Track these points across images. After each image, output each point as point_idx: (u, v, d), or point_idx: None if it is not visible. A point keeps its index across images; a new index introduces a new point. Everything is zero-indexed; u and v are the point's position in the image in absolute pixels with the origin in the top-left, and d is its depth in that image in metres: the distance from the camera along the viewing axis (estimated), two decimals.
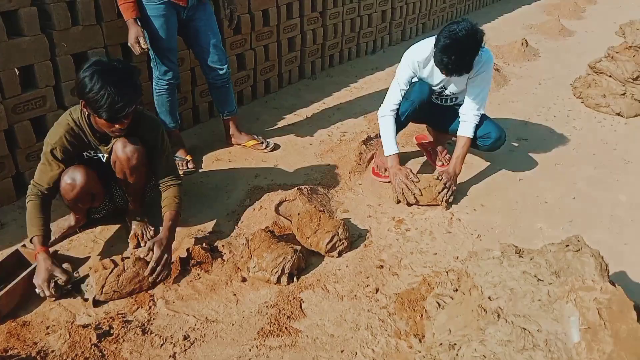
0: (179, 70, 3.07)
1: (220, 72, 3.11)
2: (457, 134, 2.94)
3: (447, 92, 2.97)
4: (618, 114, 4.17)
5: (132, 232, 2.53)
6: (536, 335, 1.44)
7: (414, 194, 2.80)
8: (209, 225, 2.65)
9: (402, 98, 2.92)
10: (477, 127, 2.93)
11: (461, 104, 2.97)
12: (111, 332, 1.98)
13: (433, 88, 2.94)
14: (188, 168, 3.11)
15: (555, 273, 1.56)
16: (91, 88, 2.05)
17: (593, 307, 1.44)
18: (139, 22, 2.72)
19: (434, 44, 2.59)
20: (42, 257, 2.14)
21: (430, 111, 3.07)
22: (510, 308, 1.51)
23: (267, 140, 3.45)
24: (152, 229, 2.55)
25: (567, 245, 1.63)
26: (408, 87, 2.89)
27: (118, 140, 2.28)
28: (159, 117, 3.08)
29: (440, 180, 2.82)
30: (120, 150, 2.28)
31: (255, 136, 3.45)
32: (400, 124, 3.01)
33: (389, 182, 2.98)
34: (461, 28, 2.50)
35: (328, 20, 4.69)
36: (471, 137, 2.90)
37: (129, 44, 2.74)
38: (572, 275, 1.53)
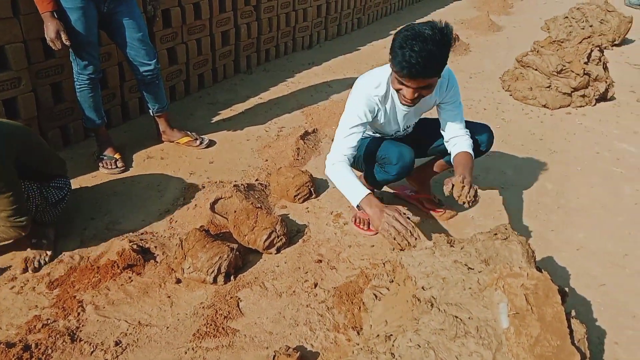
0: (100, 64, 2.92)
1: (148, 67, 2.98)
2: (453, 154, 2.33)
3: (411, 128, 2.51)
4: (544, 106, 4.36)
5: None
6: (468, 322, 1.47)
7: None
8: (141, 226, 2.55)
9: (378, 169, 2.38)
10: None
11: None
12: (38, 343, 1.87)
13: (397, 131, 2.45)
14: (117, 167, 2.98)
15: (484, 261, 1.60)
16: None
17: (520, 293, 1.49)
18: (55, 15, 2.54)
19: (392, 43, 1.99)
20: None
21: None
22: (443, 297, 1.54)
23: (202, 136, 3.36)
24: (49, 253, 2.30)
25: (496, 234, 1.68)
26: (364, 129, 2.24)
27: None
28: (84, 115, 2.94)
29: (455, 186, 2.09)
30: None
31: (188, 132, 3.35)
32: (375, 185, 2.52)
33: (376, 233, 2.55)
34: (423, 24, 1.99)
35: (262, 14, 4.64)
36: (472, 153, 2.29)
37: (48, 40, 2.57)
38: (500, 263, 1.58)
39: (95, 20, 2.72)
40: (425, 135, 2.56)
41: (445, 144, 2.39)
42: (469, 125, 2.43)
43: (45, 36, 2.57)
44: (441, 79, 2.16)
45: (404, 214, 2.00)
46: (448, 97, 2.32)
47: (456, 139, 2.32)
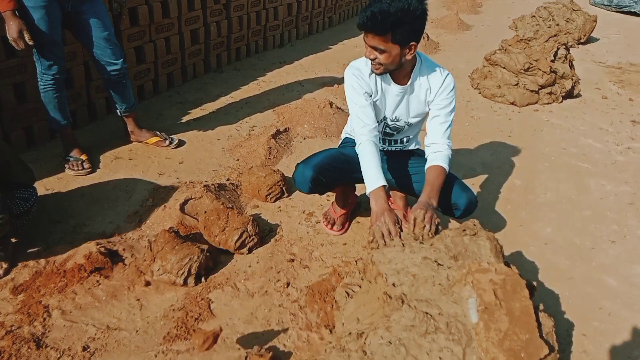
0: (65, 64, 2.83)
1: (115, 67, 2.90)
2: (427, 165, 2.22)
3: (400, 122, 2.37)
4: (512, 103, 4.44)
5: None
6: (438, 318, 1.48)
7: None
8: (108, 229, 2.50)
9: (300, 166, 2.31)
10: (441, 189, 2.19)
11: (413, 150, 2.55)
12: (1, 350, 1.81)
13: (385, 118, 2.35)
14: (84, 168, 2.91)
15: (454, 257, 1.61)
16: None
17: (489, 288, 1.50)
18: (17, 14, 2.46)
19: None
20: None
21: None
22: (413, 293, 1.55)
23: (171, 136, 3.31)
24: (4, 266, 2.19)
25: (464, 230, 1.70)
26: (369, 100, 2.22)
27: None
28: (48, 116, 2.86)
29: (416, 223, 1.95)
30: None
31: (157, 132, 3.29)
32: (323, 187, 2.38)
33: (339, 234, 2.61)
34: None
35: (232, 12, 4.60)
36: (446, 168, 2.19)
37: (10, 40, 2.48)
38: (469, 259, 1.59)
39: (59, 19, 2.64)
40: (408, 172, 2.48)
41: (425, 147, 2.32)
42: (450, 186, 2.27)
43: (7, 36, 2.48)
44: (436, 73, 2.23)
45: (399, 227, 1.95)
46: (439, 99, 2.24)
47: (436, 147, 2.24)
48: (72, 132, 3.02)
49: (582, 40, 6.42)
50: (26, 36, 2.47)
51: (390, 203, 2.68)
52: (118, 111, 3.15)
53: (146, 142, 3.25)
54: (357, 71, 2.23)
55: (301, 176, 2.26)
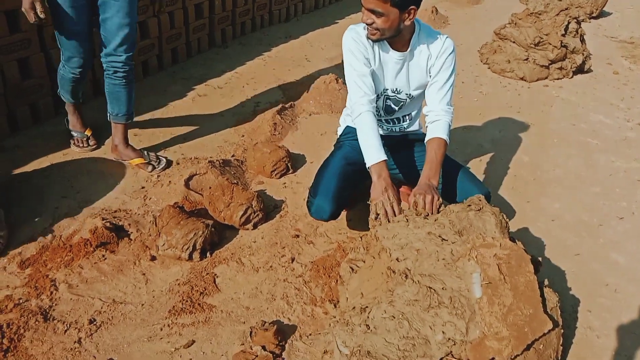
0: (90, 59, 2.57)
1: (118, 58, 2.55)
2: (426, 138, 2.17)
3: (402, 94, 2.27)
4: (522, 79, 4.37)
5: None
6: (441, 293, 1.47)
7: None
8: (114, 204, 2.50)
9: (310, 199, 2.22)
10: (453, 182, 2.22)
11: (417, 132, 2.47)
12: (9, 323, 1.83)
13: (385, 90, 2.26)
14: (89, 145, 2.89)
15: (458, 232, 1.60)
16: None
17: (493, 263, 1.49)
18: None
19: None
20: None
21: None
22: (417, 268, 1.54)
23: (160, 157, 2.87)
24: (1, 234, 2.19)
25: (469, 205, 1.68)
26: (369, 67, 2.14)
27: None
28: (59, 89, 2.76)
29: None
30: None
31: (144, 153, 2.84)
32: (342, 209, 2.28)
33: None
34: None
35: None
36: (446, 139, 2.12)
37: (23, 9, 2.28)
38: (474, 234, 1.58)
39: (85, 8, 2.42)
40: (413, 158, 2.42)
41: (425, 114, 2.27)
42: (461, 180, 2.23)
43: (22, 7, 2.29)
44: (434, 39, 2.15)
45: (401, 208, 1.93)
46: (438, 63, 2.16)
47: (434, 115, 2.18)
48: (79, 108, 2.92)
49: (594, 14, 6.28)
50: (38, 7, 2.26)
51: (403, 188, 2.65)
52: (108, 115, 2.76)
53: (128, 162, 2.81)
54: (357, 35, 2.12)
55: (320, 212, 2.16)
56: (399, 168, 2.41)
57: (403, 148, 2.43)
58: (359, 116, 2.11)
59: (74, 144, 2.89)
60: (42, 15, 2.29)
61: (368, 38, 2.08)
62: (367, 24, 2.02)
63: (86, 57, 2.55)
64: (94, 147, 2.92)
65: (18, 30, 2.84)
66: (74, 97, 2.80)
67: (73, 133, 2.91)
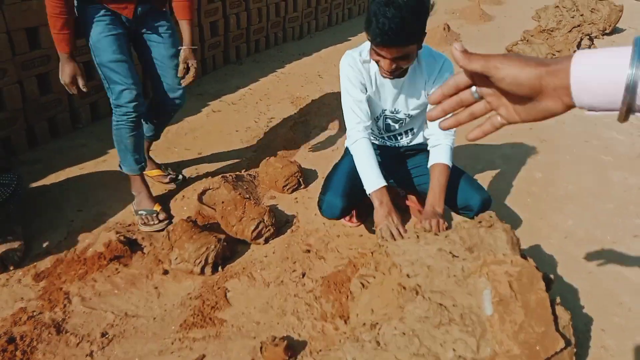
0: (140, 90, 2.31)
1: (178, 93, 2.50)
2: (429, 164, 2.18)
3: (400, 114, 2.25)
4: None
5: None
6: (452, 310, 1.47)
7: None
8: (128, 218, 2.54)
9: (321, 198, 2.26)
10: (454, 187, 2.21)
11: (419, 145, 2.43)
12: (23, 335, 1.86)
13: (384, 111, 2.26)
14: (160, 221, 2.49)
15: (469, 249, 1.60)
16: None
17: (504, 280, 1.48)
18: (73, 57, 2.20)
19: (367, 11, 1.86)
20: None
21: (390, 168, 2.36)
22: (428, 285, 1.54)
23: (179, 174, 2.88)
24: (17, 246, 2.21)
25: (480, 222, 1.68)
26: (365, 93, 2.15)
27: None
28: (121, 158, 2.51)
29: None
30: None
31: (162, 166, 2.87)
32: (351, 210, 2.36)
33: (355, 225, 2.59)
34: None
35: (252, 4, 4.61)
36: (448, 163, 2.12)
37: (62, 82, 2.22)
38: (484, 250, 1.58)
39: (122, 35, 2.27)
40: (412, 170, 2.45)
41: (426, 137, 2.28)
42: (461, 185, 2.23)
43: (60, 78, 2.24)
44: (432, 60, 2.11)
45: (405, 229, 1.96)
46: (435, 87, 2.11)
47: (435, 139, 2.18)
48: (144, 179, 2.58)
49: (607, 31, 6.26)
50: (80, 82, 2.22)
51: (406, 200, 2.68)
52: None
53: (146, 174, 2.73)
54: (353, 60, 2.11)
55: (330, 209, 2.20)
56: (390, 175, 2.37)
57: (395, 155, 2.45)
58: (355, 143, 2.14)
59: (143, 223, 2.47)
60: (84, 89, 2.26)
61: (384, 76, 2.02)
62: (389, 71, 1.95)
63: (137, 89, 2.29)
64: (166, 223, 2.49)
65: (38, 47, 2.92)
66: (136, 159, 2.47)
67: (141, 212, 2.49)
